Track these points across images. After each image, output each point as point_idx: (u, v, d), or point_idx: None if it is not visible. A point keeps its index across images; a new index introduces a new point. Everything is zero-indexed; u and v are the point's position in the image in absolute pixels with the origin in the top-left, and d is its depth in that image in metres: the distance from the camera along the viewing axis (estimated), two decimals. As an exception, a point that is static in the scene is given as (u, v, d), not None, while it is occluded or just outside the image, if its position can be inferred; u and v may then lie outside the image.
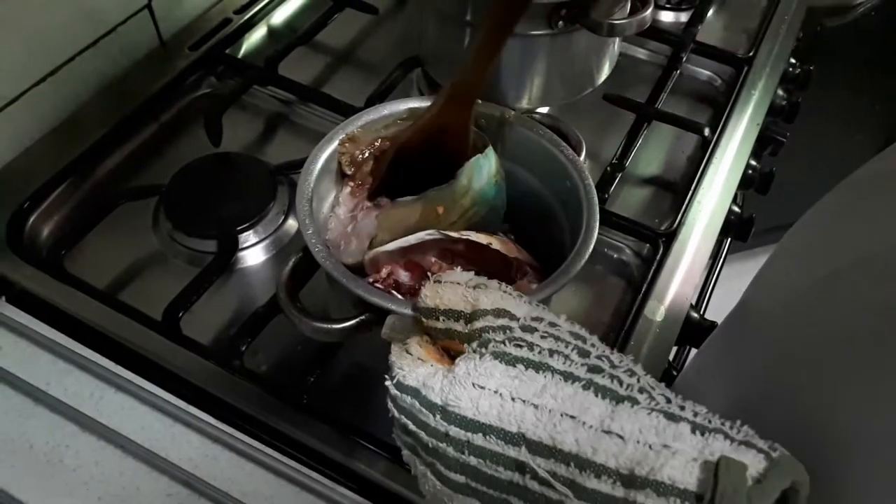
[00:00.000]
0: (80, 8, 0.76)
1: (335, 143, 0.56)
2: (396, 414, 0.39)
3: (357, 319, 0.48)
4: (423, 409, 0.36)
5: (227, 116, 0.78)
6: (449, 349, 0.41)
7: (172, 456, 0.56)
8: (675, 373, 0.65)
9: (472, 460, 0.35)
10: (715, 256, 0.88)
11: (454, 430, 0.35)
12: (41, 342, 0.61)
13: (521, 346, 0.36)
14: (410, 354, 0.40)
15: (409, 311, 0.46)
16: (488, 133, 0.59)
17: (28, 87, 0.74)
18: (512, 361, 0.36)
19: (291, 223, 0.73)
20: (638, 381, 0.35)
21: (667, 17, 0.99)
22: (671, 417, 0.32)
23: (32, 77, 0.74)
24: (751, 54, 0.91)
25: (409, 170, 0.57)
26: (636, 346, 0.63)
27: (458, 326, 0.40)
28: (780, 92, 0.90)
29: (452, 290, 0.41)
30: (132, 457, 0.56)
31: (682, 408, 0.33)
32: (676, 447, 0.31)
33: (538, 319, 0.38)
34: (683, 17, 0.97)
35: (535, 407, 0.34)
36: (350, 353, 0.63)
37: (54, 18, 0.74)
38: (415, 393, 0.37)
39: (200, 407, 0.58)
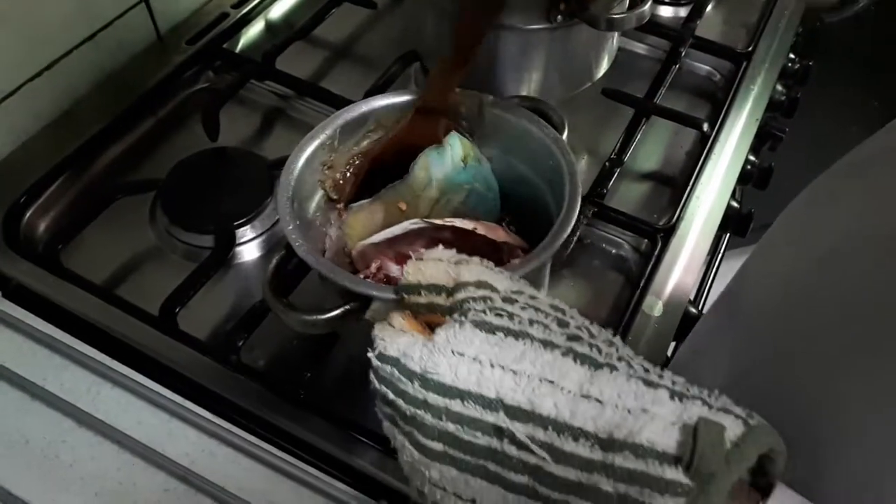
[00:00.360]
0: (77, 1, 0.76)
1: (317, 141, 0.57)
2: (377, 384, 0.38)
3: (342, 309, 0.48)
4: (402, 378, 0.37)
5: (224, 111, 0.78)
6: (431, 323, 0.41)
7: (169, 451, 0.56)
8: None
9: (450, 426, 0.35)
10: (713, 252, 0.88)
11: (432, 397, 0.35)
12: (38, 337, 0.61)
13: (501, 316, 0.37)
14: (392, 327, 0.40)
15: (391, 297, 0.46)
16: (469, 120, 0.59)
17: (24, 80, 0.73)
18: (491, 329, 0.36)
19: (289, 218, 0.72)
20: (617, 350, 0.35)
21: (666, 11, 0.98)
22: (649, 384, 0.32)
23: (29, 71, 0.74)
24: (750, 49, 0.91)
25: (387, 181, 0.58)
26: (634, 341, 0.63)
27: (440, 300, 0.40)
28: (779, 87, 0.90)
29: (434, 265, 0.41)
30: (129, 452, 0.56)
31: (661, 376, 0.33)
32: (655, 411, 0.31)
33: (518, 293, 0.39)
34: (682, 11, 0.97)
35: (514, 373, 0.34)
36: (346, 348, 0.63)
37: (51, 12, 0.73)
38: (394, 362, 0.37)
39: (197, 402, 0.58)
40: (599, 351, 0.34)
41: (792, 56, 0.94)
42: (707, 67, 0.93)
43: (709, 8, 0.98)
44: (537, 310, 0.37)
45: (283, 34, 0.88)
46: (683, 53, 0.89)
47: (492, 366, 0.35)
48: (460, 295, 0.39)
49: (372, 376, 0.39)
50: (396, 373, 0.37)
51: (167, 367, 0.60)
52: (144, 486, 0.54)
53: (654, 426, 0.30)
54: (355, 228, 0.56)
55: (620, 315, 0.65)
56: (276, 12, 0.94)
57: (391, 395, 0.37)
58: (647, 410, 0.31)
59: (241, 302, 0.66)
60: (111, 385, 0.59)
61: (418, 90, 0.59)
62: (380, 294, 0.47)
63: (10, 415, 0.57)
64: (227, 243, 0.68)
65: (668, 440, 0.30)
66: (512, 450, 0.33)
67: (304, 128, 0.81)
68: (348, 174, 0.58)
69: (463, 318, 0.37)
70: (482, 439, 0.34)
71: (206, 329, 0.65)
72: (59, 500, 0.54)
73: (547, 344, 0.35)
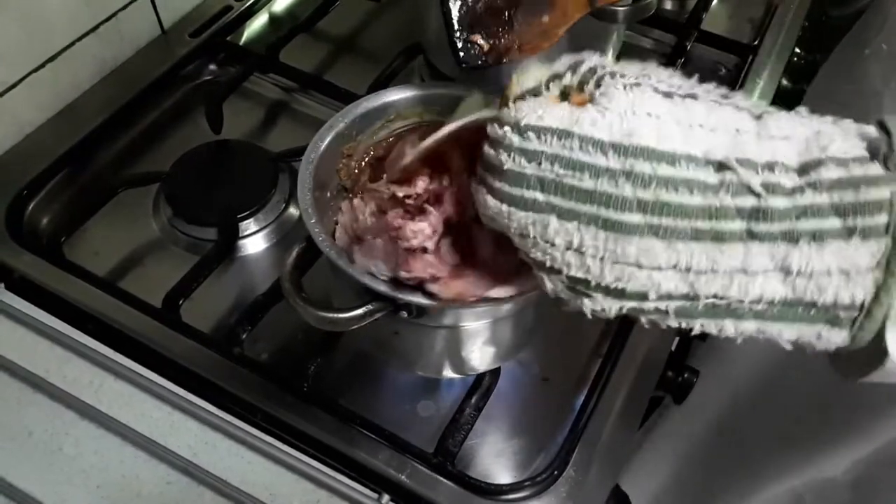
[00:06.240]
0: (80, -7, 0.75)
1: (335, 131, 0.55)
2: (524, 163, 0.35)
3: (364, 309, 0.47)
4: (589, 149, 0.34)
5: (227, 104, 0.78)
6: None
7: (172, 444, 0.56)
8: (677, 362, 0.64)
9: (661, 193, 0.33)
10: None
11: (636, 165, 0.33)
12: (40, 329, 0.61)
13: (649, 81, 0.36)
14: (535, 98, 0.37)
15: (416, 300, 0.45)
16: None
17: (28, 72, 0.73)
18: (666, 92, 0.35)
19: (293, 211, 0.72)
20: (748, 99, 0.37)
21: (671, 4, 0.98)
22: (804, 116, 0.36)
23: (32, 62, 0.73)
24: (756, 43, 0.90)
25: None
26: (638, 338, 0.63)
27: (567, 79, 0.37)
28: (785, 81, 0.89)
29: (537, 68, 0.39)
30: (131, 444, 0.56)
31: (798, 111, 0.37)
32: (828, 130, 0.34)
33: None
34: (688, 4, 0.96)
35: (710, 130, 0.34)
36: (352, 341, 0.62)
37: (55, 3, 0.73)
38: (564, 135, 0.34)
39: (200, 395, 0.58)
40: (741, 102, 0.37)
41: (798, 50, 0.94)
42: (713, 61, 0.92)
43: (714, 1, 0.97)
44: (670, 76, 0.37)
45: (286, 27, 0.87)
46: (689, 47, 0.88)
47: (690, 126, 0.34)
48: (585, 65, 0.37)
49: (510, 157, 0.35)
50: (574, 146, 0.34)
51: (170, 360, 0.60)
52: (147, 479, 0.54)
53: (838, 140, 0.34)
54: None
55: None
56: (279, 5, 0.94)
57: (560, 172, 0.34)
58: (821, 132, 0.34)
59: (245, 294, 0.66)
60: (114, 377, 0.59)
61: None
62: (404, 297, 0.46)
63: (12, 407, 0.57)
64: (231, 236, 0.68)
65: (856, 147, 0.34)
66: (727, 199, 0.33)
67: (308, 120, 0.81)
68: (363, 163, 0.58)
69: (624, 85, 0.35)
70: (695, 198, 0.33)
71: (210, 321, 0.65)
72: (62, 492, 0.54)
73: (713, 102, 0.36)
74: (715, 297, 0.34)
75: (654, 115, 0.34)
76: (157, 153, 0.78)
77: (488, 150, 0.37)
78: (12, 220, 0.67)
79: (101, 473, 0.54)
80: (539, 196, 0.35)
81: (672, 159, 0.33)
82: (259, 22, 0.92)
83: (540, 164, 0.35)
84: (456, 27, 0.55)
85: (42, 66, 0.74)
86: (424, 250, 0.47)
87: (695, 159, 0.33)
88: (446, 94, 0.58)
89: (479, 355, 0.57)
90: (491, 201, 0.37)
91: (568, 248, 0.35)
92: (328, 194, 0.56)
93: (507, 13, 0.58)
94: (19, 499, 0.53)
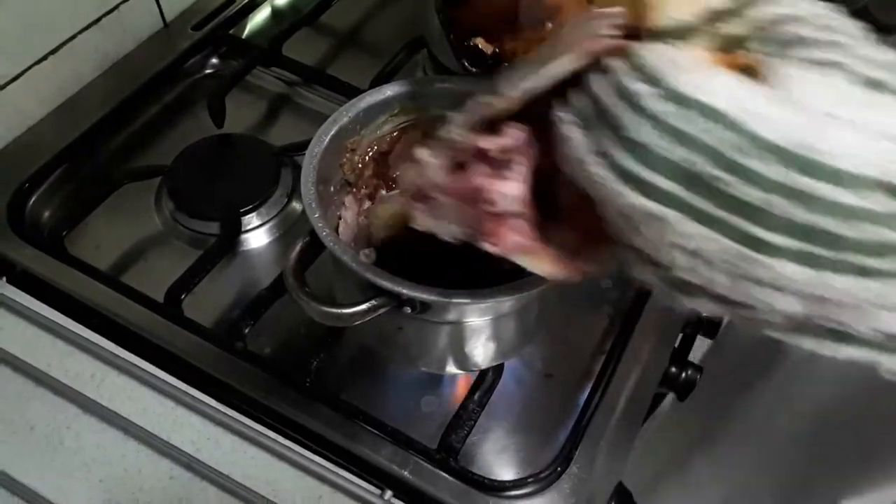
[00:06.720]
0: (82, -15, 0.75)
1: (338, 125, 0.55)
2: (671, 145, 0.27)
3: (367, 304, 0.47)
4: (752, 150, 0.26)
5: (230, 97, 0.77)
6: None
7: (174, 438, 0.55)
8: (681, 359, 0.64)
9: (819, 220, 0.26)
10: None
11: (803, 183, 0.26)
12: (42, 323, 0.61)
13: (835, 51, 0.28)
14: (683, 42, 0.29)
15: (423, 296, 0.45)
16: None
17: (29, 65, 0.73)
18: (855, 79, 0.27)
19: (295, 205, 0.72)
20: None
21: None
22: None
23: (34, 55, 0.73)
24: (760, 38, 0.90)
25: None
26: (642, 333, 0.63)
27: (731, 27, 0.29)
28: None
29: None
30: (134, 439, 0.56)
31: None
32: None
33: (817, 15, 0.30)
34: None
35: (892, 140, 0.27)
36: (355, 336, 0.62)
37: (56, -4, 0.73)
38: (731, 125, 0.27)
39: (203, 389, 0.58)
40: None
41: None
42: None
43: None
44: (863, 47, 0.29)
45: (289, 20, 0.87)
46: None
47: (873, 134, 0.27)
48: (763, 13, 0.29)
49: (641, 120, 0.27)
50: (732, 137, 0.26)
51: (172, 354, 0.60)
52: (149, 474, 0.54)
53: None
54: (381, 218, 0.55)
55: (628, 308, 0.65)
56: (282, -2, 0.94)
57: (711, 171, 0.27)
58: None
59: (247, 289, 0.66)
60: (116, 372, 0.59)
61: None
62: (409, 293, 0.46)
63: (14, 401, 0.57)
64: (233, 230, 0.68)
65: None
66: (890, 235, 0.27)
67: (311, 115, 0.81)
68: (367, 158, 0.58)
69: (815, 63, 0.28)
70: (854, 229, 0.27)
71: (212, 316, 0.64)
72: (64, 486, 0.53)
73: None
74: (831, 321, 0.29)
75: (835, 116, 0.27)
76: (160, 147, 0.77)
77: (614, 99, 0.29)
78: (14, 214, 0.67)
79: (103, 468, 0.54)
80: (671, 188, 0.28)
81: (839, 180, 0.26)
82: (261, 15, 0.92)
83: (691, 151, 0.27)
84: (454, 34, 0.55)
85: (44, 58, 0.74)
86: (512, 215, 0.39)
87: (867, 183, 0.26)
88: (450, 88, 0.58)
89: (483, 351, 0.57)
90: (600, 171, 0.29)
91: (682, 250, 0.29)
92: (331, 189, 0.56)
93: (509, 17, 0.58)
94: (21, 493, 0.53)
